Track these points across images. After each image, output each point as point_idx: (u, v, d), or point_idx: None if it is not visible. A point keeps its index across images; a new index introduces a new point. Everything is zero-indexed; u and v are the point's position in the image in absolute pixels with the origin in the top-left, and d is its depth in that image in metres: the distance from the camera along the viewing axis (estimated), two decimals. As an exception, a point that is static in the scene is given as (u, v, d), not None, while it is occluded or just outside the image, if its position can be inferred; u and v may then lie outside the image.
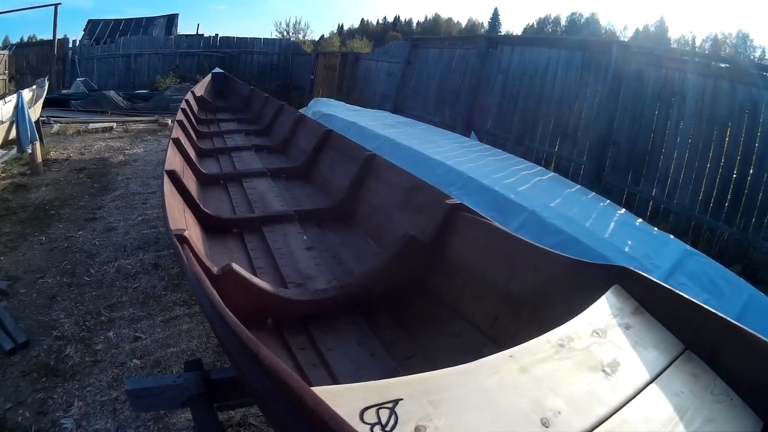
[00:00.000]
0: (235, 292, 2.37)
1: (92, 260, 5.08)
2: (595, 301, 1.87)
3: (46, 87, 10.50)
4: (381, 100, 12.98)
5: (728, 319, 1.66)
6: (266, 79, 20.03)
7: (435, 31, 69.40)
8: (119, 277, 4.77)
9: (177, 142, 4.82)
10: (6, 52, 19.54)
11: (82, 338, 3.85)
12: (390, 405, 1.22)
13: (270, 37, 26.10)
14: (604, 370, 1.58)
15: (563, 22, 75.32)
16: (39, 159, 8.29)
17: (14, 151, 8.56)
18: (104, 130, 12.10)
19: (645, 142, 6.70)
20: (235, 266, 2.47)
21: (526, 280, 2.25)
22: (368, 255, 3.42)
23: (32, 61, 19.87)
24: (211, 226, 3.76)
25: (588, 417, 1.40)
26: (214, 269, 2.49)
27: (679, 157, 6.31)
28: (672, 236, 4.47)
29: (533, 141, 8.42)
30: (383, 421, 1.17)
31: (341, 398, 1.19)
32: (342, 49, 20.67)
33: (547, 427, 1.33)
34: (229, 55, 21.17)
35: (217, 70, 12.90)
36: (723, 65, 6.40)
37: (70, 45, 20.31)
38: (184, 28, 27.20)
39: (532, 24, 79.31)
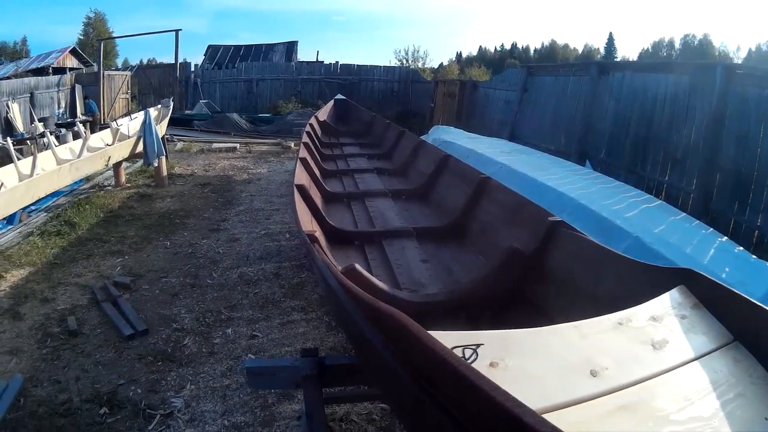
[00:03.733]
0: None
1: (215, 266, 5.40)
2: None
3: (171, 106, 11.19)
4: (498, 127, 13.05)
5: None
6: (386, 105, 20.35)
7: (552, 57, 68.50)
8: (240, 282, 5.04)
9: (304, 161, 5.20)
10: (128, 72, 21.21)
11: (200, 332, 4.12)
12: (473, 347, 1.61)
13: (389, 65, 26.62)
14: (653, 345, 1.87)
15: (677, 44, 72.54)
16: (164, 172, 8.94)
17: (140, 163, 9.29)
18: (227, 149, 12.67)
19: (750, 167, 6.47)
20: (358, 266, 2.71)
21: (609, 284, 2.51)
22: (476, 267, 3.64)
23: (154, 82, 21.30)
24: (335, 237, 4.08)
25: (630, 375, 1.69)
26: (339, 268, 2.74)
27: None
28: None
29: (644, 169, 8.32)
30: (466, 356, 1.56)
31: (439, 338, 1.45)
32: (460, 77, 20.87)
33: (594, 377, 1.65)
34: (350, 82, 21.64)
35: (339, 96, 13.27)
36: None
37: (192, 68, 21.65)
38: (303, 54, 28.42)
39: (647, 48, 76.56)
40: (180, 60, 20.37)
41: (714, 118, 7.02)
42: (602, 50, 78.36)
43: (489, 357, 1.59)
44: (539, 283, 3.07)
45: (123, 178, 8.92)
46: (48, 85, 17.53)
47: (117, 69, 29.42)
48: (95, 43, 31.77)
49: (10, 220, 6.44)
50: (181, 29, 19.06)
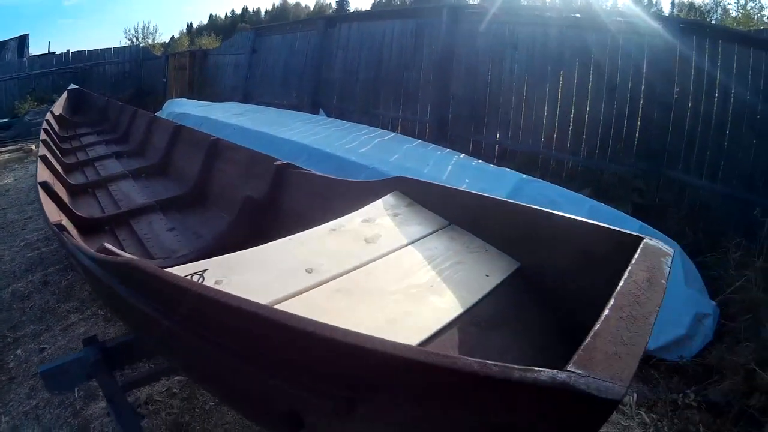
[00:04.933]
0: None
1: None
2: None
3: None
4: (231, 92, 13.18)
5: (487, 195, 2.14)
6: (120, 87, 19.40)
7: (284, 17, 68.11)
8: (15, 299, 4.91)
9: (44, 159, 5.06)
10: None
11: None
12: (200, 272, 1.79)
13: (120, 45, 25.17)
14: (365, 240, 2.11)
15: None
16: None
17: None
18: None
19: (482, 94, 7.25)
20: (108, 245, 2.73)
21: (339, 207, 2.57)
22: (223, 226, 3.80)
23: None
24: (85, 228, 4.08)
25: (343, 266, 1.90)
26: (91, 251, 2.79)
27: (518, 102, 6.90)
28: (508, 169, 4.91)
29: (376, 108, 8.91)
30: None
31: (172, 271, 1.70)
32: (191, 48, 20.23)
33: (310, 273, 1.85)
34: (82, 70, 20.39)
35: (72, 86, 12.50)
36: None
37: None
38: (35, 48, 25.75)
39: None
40: None
41: (443, 55, 7.68)
42: (334, 4, 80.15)
43: (214, 278, 1.78)
44: (277, 222, 3.26)
45: None
46: None
47: None
48: None
49: None
50: None
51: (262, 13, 79.51)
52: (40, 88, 19.57)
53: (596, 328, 1.16)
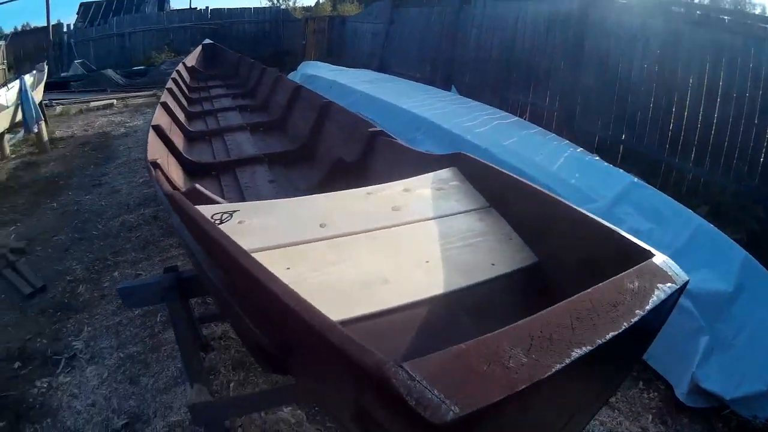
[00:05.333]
0: None
1: (99, 218, 5.69)
2: None
3: (46, 71, 10.77)
4: (368, 60, 13.26)
5: (529, 182, 2.11)
6: (259, 46, 20.07)
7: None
8: (123, 229, 5.37)
9: (164, 105, 5.35)
10: (2, 42, 19.71)
11: (91, 279, 4.48)
12: (230, 212, 1.97)
13: (260, 5, 25.98)
14: (392, 208, 2.15)
15: None
16: (45, 138, 8.77)
17: (21, 133, 9.03)
18: (105, 107, 12.42)
19: (611, 86, 6.82)
20: (199, 187, 2.89)
21: (402, 176, 2.60)
22: (315, 183, 3.94)
23: (29, 48, 20.01)
24: (192, 170, 4.33)
25: (354, 227, 1.98)
26: (183, 190, 2.94)
27: (646, 100, 6.36)
28: (621, 170, 4.61)
29: (507, 90, 8.65)
30: (222, 220, 1.92)
31: (204, 210, 1.92)
32: (333, 14, 20.62)
33: (322, 227, 1.96)
34: (221, 27, 21.20)
35: (207, 41, 13.18)
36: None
37: (65, 29, 20.41)
38: (175, 2, 27.10)
39: None
40: (54, 21, 19.22)
41: (574, 42, 7.32)
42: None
43: (239, 218, 1.96)
44: (359, 183, 3.32)
45: (7, 150, 8.66)
46: None
47: (-11, 39, 27.13)
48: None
49: None
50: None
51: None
52: (178, 40, 20.56)
53: (496, 334, 1.07)
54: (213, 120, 6.46)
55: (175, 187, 3.01)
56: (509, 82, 8.66)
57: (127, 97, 13.65)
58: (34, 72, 10.20)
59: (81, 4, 26.48)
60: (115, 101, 12.92)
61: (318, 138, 4.67)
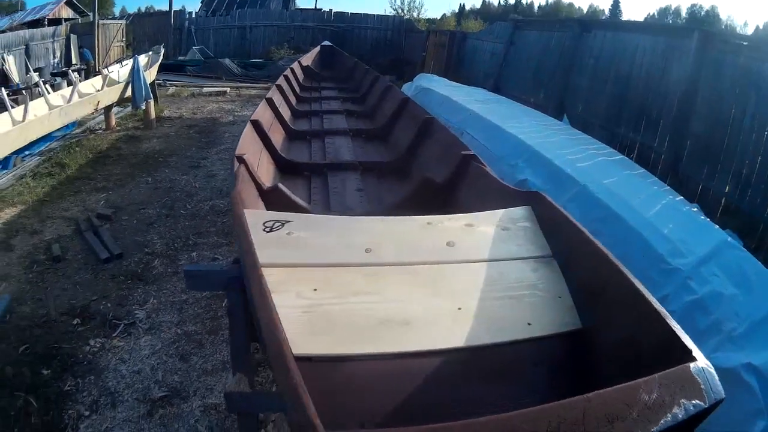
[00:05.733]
0: (277, 206, 2.77)
1: (190, 198, 5.82)
2: None
3: (162, 53, 11.42)
4: (484, 79, 13.10)
5: (595, 241, 1.91)
6: (379, 53, 20.46)
7: (555, 15, 66.81)
8: (211, 213, 5.46)
9: (269, 101, 5.46)
10: (124, 21, 21.28)
11: (169, 255, 4.56)
12: (282, 222, 2.01)
13: (384, 14, 26.44)
14: (448, 243, 2.05)
15: (683, 13, 71.04)
16: (152, 115, 9.26)
17: (129, 108, 9.60)
18: (218, 93, 12.84)
19: (722, 134, 6.30)
20: (281, 186, 2.93)
21: (481, 203, 2.61)
22: (399, 198, 3.81)
23: (149, 30, 21.44)
24: (284, 168, 4.34)
25: (399, 258, 1.93)
26: (265, 187, 3.07)
27: (755, 152, 5.78)
28: (716, 226, 4.30)
29: (618, 126, 8.33)
30: (273, 228, 1.98)
31: (255, 215, 2.03)
32: (455, 29, 20.70)
33: (367, 252, 1.92)
34: (343, 30, 21.69)
35: (326, 42, 13.41)
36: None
37: (187, 16, 21.75)
38: (301, 2, 28.14)
39: (653, 14, 74.89)
40: (177, 8, 20.64)
41: (688, 82, 6.93)
42: (607, 12, 76.87)
43: (289, 229, 1.98)
44: (442, 204, 3.29)
45: (113, 122, 9.18)
46: (43, 36, 17.67)
47: (114, 18, 29.28)
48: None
49: (5, 165, 6.71)
50: (175, -23, 19.09)
51: (535, 8, 78.40)
52: (298, 38, 21.21)
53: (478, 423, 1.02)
54: (318, 120, 6.51)
55: (258, 183, 3.08)
56: (621, 118, 8.34)
57: (241, 87, 14.04)
58: (150, 53, 10.92)
59: (206, -6, 27.76)
60: (228, 89, 13.30)
61: (414, 153, 4.61)
